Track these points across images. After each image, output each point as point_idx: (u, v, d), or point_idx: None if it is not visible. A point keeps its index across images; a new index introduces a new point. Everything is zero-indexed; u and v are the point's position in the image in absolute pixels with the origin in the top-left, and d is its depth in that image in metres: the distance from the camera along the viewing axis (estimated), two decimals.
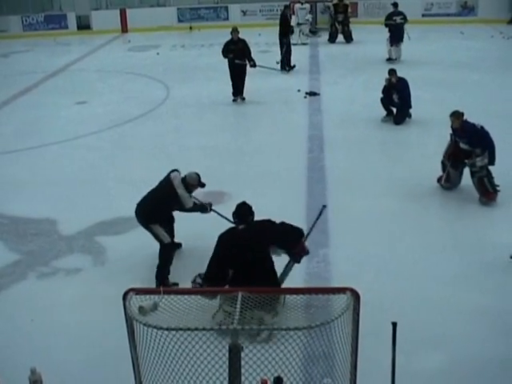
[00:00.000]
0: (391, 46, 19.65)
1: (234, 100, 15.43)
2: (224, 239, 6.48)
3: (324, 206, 7.44)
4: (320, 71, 18.86)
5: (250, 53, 15.34)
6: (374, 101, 13.25)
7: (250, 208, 6.59)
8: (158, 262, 7.39)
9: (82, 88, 18.06)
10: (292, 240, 6.57)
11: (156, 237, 7.40)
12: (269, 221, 6.59)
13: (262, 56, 19.03)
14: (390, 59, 19.52)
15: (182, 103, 15.60)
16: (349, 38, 23.24)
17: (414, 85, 13.19)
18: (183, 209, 7.54)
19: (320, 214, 7.26)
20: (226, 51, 15.12)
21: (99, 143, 12.81)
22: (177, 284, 7.24)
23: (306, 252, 6.70)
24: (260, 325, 5.58)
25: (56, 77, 19.93)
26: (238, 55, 15.10)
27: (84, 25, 28.88)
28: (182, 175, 7.54)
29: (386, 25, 19.91)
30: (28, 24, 28.57)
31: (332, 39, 23.44)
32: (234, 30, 15.27)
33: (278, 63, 18.67)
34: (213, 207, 7.88)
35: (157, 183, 7.63)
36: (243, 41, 15.31)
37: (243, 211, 6.56)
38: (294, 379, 4.46)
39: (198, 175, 7.59)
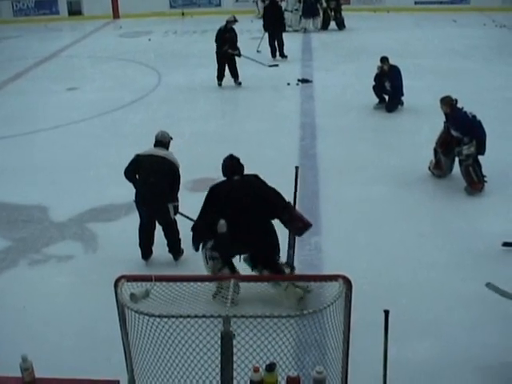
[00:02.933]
0: (305, 19, 23.16)
1: (219, 84, 15.46)
2: (219, 189, 6.55)
3: (297, 167, 7.47)
4: (312, 58, 18.81)
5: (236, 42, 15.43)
6: (367, 88, 13.24)
7: (239, 160, 6.64)
8: (169, 238, 7.64)
9: (73, 74, 17.94)
10: (280, 203, 6.54)
11: (168, 215, 7.48)
12: (258, 176, 6.63)
13: (254, 43, 19.02)
14: (305, 30, 23.10)
15: (173, 90, 15.54)
16: (341, 25, 23.17)
17: (406, 72, 13.18)
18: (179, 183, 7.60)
19: (296, 175, 7.34)
20: (222, 40, 15.04)
21: (90, 129, 12.76)
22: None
23: (307, 224, 6.66)
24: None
25: (47, 63, 19.81)
26: (230, 45, 15.12)
27: (75, 10, 28.64)
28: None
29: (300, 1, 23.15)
30: (19, 9, 28.34)
31: (324, 26, 23.36)
32: (234, 21, 15.31)
33: (258, 52, 18.62)
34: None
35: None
36: (234, 29, 15.38)
37: (234, 165, 6.61)
38: (286, 366, 4.46)
39: (164, 131, 7.77)
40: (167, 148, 7.62)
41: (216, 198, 6.50)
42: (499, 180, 9.21)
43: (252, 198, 6.39)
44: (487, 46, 19.71)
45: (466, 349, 5.87)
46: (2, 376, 4.63)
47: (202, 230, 6.63)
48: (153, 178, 7.35)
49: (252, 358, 4.33)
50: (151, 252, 7.73)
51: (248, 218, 6.31)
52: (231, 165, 6.59)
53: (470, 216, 8.56)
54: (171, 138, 7.74)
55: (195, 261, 6.93)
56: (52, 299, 6.89)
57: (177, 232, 7.62)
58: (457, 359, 5.74)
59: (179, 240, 7.64)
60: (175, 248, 7.66)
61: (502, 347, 5.86)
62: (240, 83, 15.42)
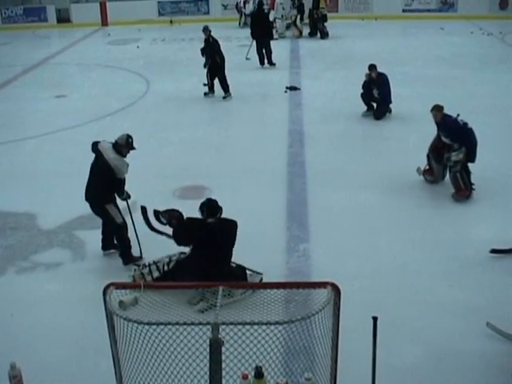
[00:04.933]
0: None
1: (206, 93, 15.38)
2: (192, 224, 6.81)
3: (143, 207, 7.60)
4: (301, 66, 18.86)
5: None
6: (355, 96, 13.27)
7: (216, 203, 6.85)
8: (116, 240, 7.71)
9: (61, 81, 17.90)
10: None
11: (109, 217, 7.54)
12: (235, 222, 6.83)
13: (242, 50, 19.06)
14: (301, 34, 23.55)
15: (162, 97, 15.54)
16: (324, 35, 23.10)
17: (394, 80, 13.22)
18: (119, 188, 7.65)
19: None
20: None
21: (78, 137, 12.67)
22: (141, 257, 7.61)
23: None
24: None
25: (35, 70, 19.77)
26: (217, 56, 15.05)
27: (64, 18, 28.63)
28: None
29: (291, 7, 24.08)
30: (7, 17, 28.31)
31: (312, 33, 23.43)
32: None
33: (247, 59, 18.68)
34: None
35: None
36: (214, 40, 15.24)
37: (213, 207, 6.80)
38: (275, 373, 4.47)
39: (129, 136, 7.67)
40: (122, 152, 7.59)
41: (189, 229, 6.80)
42: (487, 187, 9.26)
43: (221, 241, 6.68)
44: (474, 53, 19.83)
45: (452, 356, 5.87)
46: None
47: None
48: (91, 175, 7.68)
49: (241, 364, 4.33)
50: (107, 245, 7.89)
51: (216, 256, 6.63)
52: (207, 208, 6.79)
53: (458, 223, 8.58)
54: (133, 148, 7.66)
55: None
56: (40, 307, 6.86)
57: (121, 238, 7.63)
58: (444, 366, 5.76)
59: (124, 246, 7.66)
60: (120, 251, 7.70)
61: (490, 354, 5.88)
62: (225, 97, 15.09)
